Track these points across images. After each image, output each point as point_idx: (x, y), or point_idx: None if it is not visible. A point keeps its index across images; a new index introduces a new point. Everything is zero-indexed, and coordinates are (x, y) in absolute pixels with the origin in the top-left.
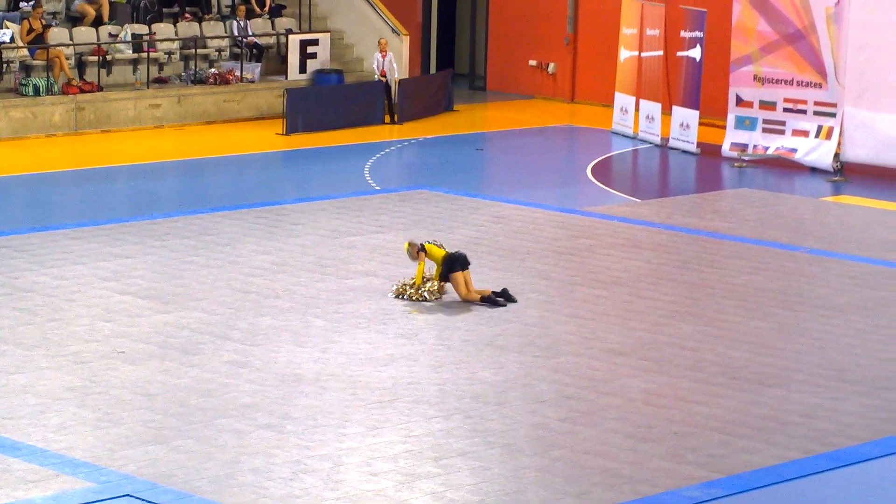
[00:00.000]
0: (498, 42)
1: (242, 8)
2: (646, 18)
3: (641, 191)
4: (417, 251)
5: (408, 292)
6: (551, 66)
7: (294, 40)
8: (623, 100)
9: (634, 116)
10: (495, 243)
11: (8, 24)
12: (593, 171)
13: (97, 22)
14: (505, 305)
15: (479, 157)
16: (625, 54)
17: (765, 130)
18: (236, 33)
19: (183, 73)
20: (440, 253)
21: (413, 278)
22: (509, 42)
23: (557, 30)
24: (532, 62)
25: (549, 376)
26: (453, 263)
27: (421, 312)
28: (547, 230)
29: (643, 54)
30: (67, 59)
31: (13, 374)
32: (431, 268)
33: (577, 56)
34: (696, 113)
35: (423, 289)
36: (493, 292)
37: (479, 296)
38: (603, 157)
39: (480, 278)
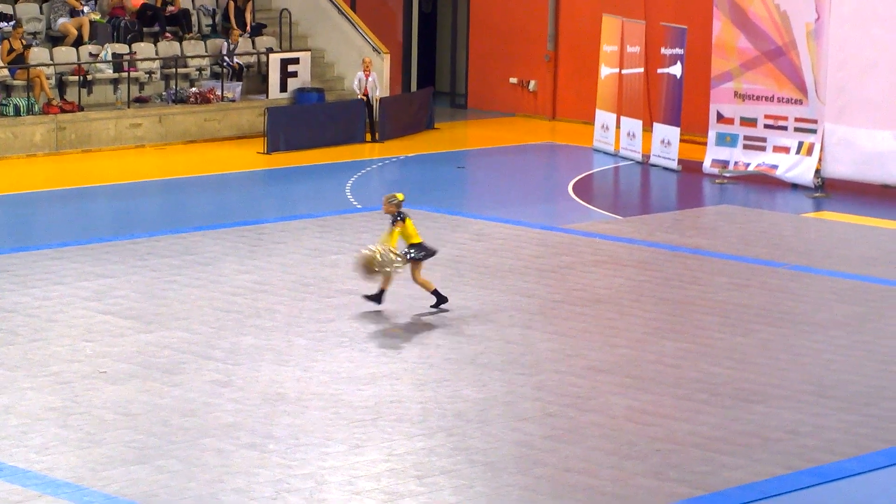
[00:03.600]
0: (478, 60)
1: (237, 31)
2: (626, 35)
3: (623, 208)
4: (397, 211)
5: (376, 260)
6: (532, 83)
7: (275, 59)
8: (604, 117)
9: (615, 133)
10: (476, 261)
11: None
12: (574, 188)
13: (78, 42)
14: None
15: (460, 175)
16: (605, 71)
17: (746, 147)
18: (225, 53)
19: (164, 93)
20: (415, 236)
21: (378, 249)
22: (490, 60)
23: (538, 47)
24: (513, 80)
25: (531, 394)
26: (428, 253)
27: (403, 331)
28: (528, 248)
29: (624, 71)
30: (48, 78)
31: None
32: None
33: (557, 73)
34: (677, 130)
35: (390, 264)
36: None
37: (432, 287)
38: (584, 174)
39: (462, 296)
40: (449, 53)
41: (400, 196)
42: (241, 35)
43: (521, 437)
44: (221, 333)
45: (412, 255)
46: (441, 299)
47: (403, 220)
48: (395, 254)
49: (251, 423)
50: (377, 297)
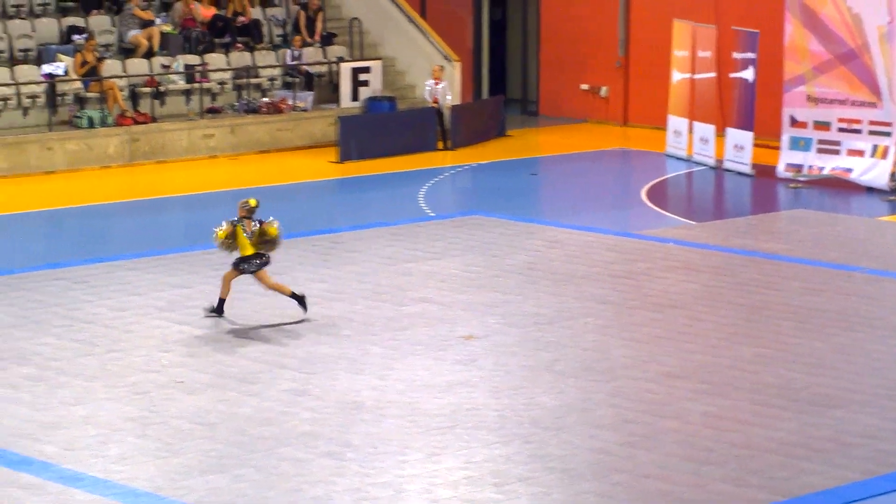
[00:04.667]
0: (549, 66)
1: (299, 38)
2: (697, 40)
3: (696, 213)
4: (244, 215)
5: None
6: (603, 89)
7: (346, 68)
8: (676, 122)
9: (688, 139)
10: (550, 268)
11: (61, 57)
12: (648, 194)
13: (149, 53)
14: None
15: (532, 182)
16: (677, 76)
17: (819, 151)
18: (290, 62)
19: (236, 103)
20: (248, 248)
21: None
22: (561, 66)
23: (609, 53)
24: (584, 86)
25: (607, 400)
26: (262, 263)
27: (478, 338)
28: (602, 254)
29: (696, 76)
30: (121, 90)
31: (73, 406)
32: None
33: (629, 79)
34: (751, 134)
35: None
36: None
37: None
38: (657, 180)
39: (537, 303)
40: (520, 60)
41: (252, 202)
42: (302, 41)
43: (597, 444)
44: (297, 342)
45: (244, 268)
46: (220, 310)
47: (236, 225)
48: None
49: (328, 432)
50: (218, 309)
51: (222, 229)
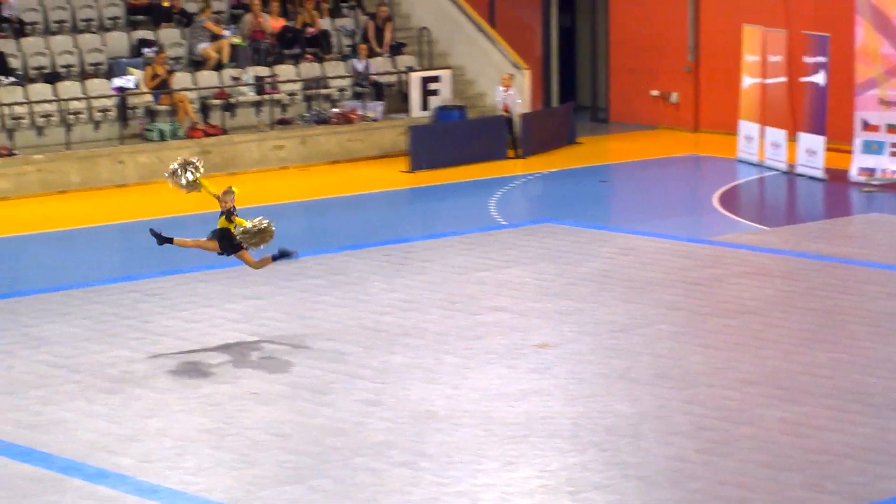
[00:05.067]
0: (619, 73)
1: (364, 47)
2: (768, 45)
3: (769, 218)
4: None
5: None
6: (674, 95)
7: (415, 78)
8: (747, 127)
9: (759, 144)
10: (623, 275)
11: (132, 70)
12: (720, 199)
13: (219, 65)
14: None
15: (603, 190)
16: (748, 81)
17: (893, 154)
18: (358, 72)
19: (306, 114)
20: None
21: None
22: (631, 73)
23: (679, 59)
24: (654, 92)
25: (683, 407)
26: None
27: (552, 346)
28: (675, 260)
29: (766, 81)
30: (191, 103)
31: (149, 418)
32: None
33: (699, 85)
34: (823, 138)
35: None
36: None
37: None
38: (729, 185)
39: (610, 310)
40: (589, 67)
41: (236, 189)
42: (369, 51)
43: (673, 451)
44: (370, 352)
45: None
46: (285, 254)
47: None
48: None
49: (403, 442)
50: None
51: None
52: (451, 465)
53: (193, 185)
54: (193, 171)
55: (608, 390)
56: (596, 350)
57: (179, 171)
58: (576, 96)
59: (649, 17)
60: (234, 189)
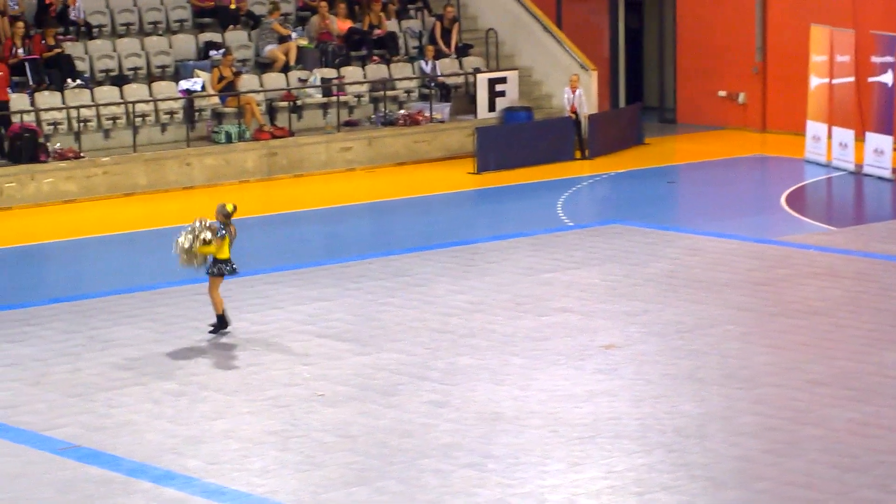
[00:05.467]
0: (687, 74)
1: (431, 48)
2: (835, 45)
3: (837, 219)
4: (225, 221)
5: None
6: (741, 96)
7: (482, 79)
8: (815, 128)
9: (827, 144)
10: (691, 276)
11: (199, 72)
12: (787, 200)
13: (286, 67)
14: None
15: (671, 190)
16: (815, 81)
17: None
18: (425, 73)
19: (373, 116)
20: (227, 252)
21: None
22: (698, 73)
23: (746, 59)
24: (721, 93)
25: (750, 408)
26: (232, 271)
27: (619, 347)
28: (742, 261)
29: (834, 81)
30: (258, 105)
31: (215, 420)
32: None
33: (766, 85)
34: (890, 138)
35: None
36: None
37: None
38: (796, 185)
39: (677, 311)
40: (656, 68)
41: (230, 207)
42: (436, 52)
43: (741, 452)
44: (437, 354)
45: (213, 271)
46: (223, 325)
47: (224, 235)
48: (190, 249)
49: (469, 443)
50: (221, 324)
51: (212, 242)
52: (517, 466)
53: (197, 258)
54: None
55: (675, 391)
56: (663, 351)
57: (187, 253)
58: (643, 97)
59: (717, 17)
60: (228, 207)
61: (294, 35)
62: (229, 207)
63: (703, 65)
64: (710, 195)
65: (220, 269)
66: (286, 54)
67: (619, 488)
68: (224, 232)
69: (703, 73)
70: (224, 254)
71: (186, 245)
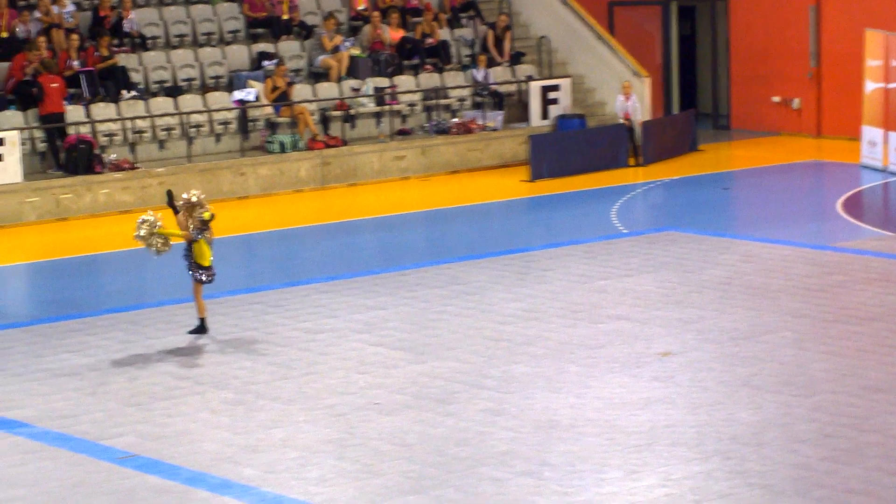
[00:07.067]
0: (740, 80)
1: (483, 56)
2: (891, 49)
3: (893, 224)
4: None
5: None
6: (796, 101)
7: (535, 87)
8: (871, 132)
9: (883, 149)
10: (746, 282)
11: (252, 83)
12: (843, 205)
13: (338, 77)
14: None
15: (725, 197)
16: (871, 86)
17: None
18: (478, 82)
19: (426, 124)
20: (207, 259)
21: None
22: (752, 79)
23: (800, 65)
24: (776, 98)
25: (807, 415)
26: (210, 279)
27: (675, 355)
28: (798, 267)
29: (889, 85)
30: (311, 114)
31: (272, 429)
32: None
33: (821, 90)
34: None
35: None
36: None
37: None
38: (852, 191)
39: (733, 318)
40: (710, 74)
41: (207, 216)
42: (488, 61)
43: (798, 460)
44: (493, 362)
45: (199, 277)
46: (202, 329)
47: (199, 237)
48: (161, 240)
49: (526, 451)
50: (200, 328)
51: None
52: (574, 474)
53: (158, 244)
54: (149, 228)
55: (731, 398)
56: (719, 358)
57: (147, 238)
58: (697, 103)
59: (770, 23)
60: (205, 215)
61: (347, 44)
62: (206, 215)
63: (757, 70)
64: (765, 201)
65: (203, 276)
66: (339, 64)
67: (677, 496)
68: (200, 236)
69: (757, 78)
70: (206, 261)
71: (143, 233)
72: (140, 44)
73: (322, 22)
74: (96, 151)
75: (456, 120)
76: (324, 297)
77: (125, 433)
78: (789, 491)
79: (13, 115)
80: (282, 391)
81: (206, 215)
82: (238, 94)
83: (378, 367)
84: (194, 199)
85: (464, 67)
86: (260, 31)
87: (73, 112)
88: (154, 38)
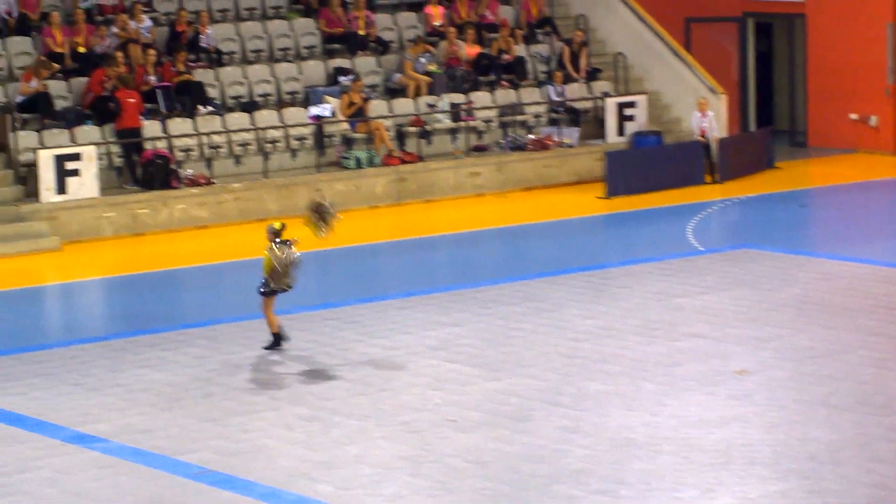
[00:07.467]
0: (818, 96)
1: (560, 73)
2: None
3: None
4: (274, 239)
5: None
6: (873, 118)
7: (611, 103)
8: None
9: None
10: (823, 300)
11: (328, 98)
12: None
13: (415, 93)
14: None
15: (802, 214)
16: None
17: None
18: (553, 98)
19: (502, 140)
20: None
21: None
22: (829, 96)
23: (878, 81)
24: (853, 115)
25: (885, 434)
26: (278, 289)
27: (752, 373)
28: (876, 286)
29: None
30: (387, 130)
31: (347, 445)
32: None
33: None
34: None
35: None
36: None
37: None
38: None
39: (810, 336)
40: (787, 91)
41: (277, 224)
42: (564, 77)
43: (876, 479)
44: (568, 379)
45: (280, 286)
46: (276, 345)
47: (281, 243)
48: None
49: (601, 469)
50: (275, 343)
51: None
52: (649, 492)
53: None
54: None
55: (808, 417)
56: (795, 376)
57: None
58: (773, 120)
59: (847, 40)
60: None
61: (423, 61)
62: (276, 225)
63: (835, 87)
64: (842, 219)
65: (274, 288)
66: (417, 82)
67: None
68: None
69: (835, 95)
70: (265, 271)
71: (282, 255)
72: (216, 59)
73: (409, 45)
74: (172, 167)
75: (532, 136)
76: (399, 314)
77: (200, 448)
78: None
79: (90, 131)
80: (357, 407)
81: (277, 224)
82: (314, 110)
83: (453, 383)
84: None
85: (540, 83)
86: (336, 46)
87: (150, 127)
88: (230, 53)
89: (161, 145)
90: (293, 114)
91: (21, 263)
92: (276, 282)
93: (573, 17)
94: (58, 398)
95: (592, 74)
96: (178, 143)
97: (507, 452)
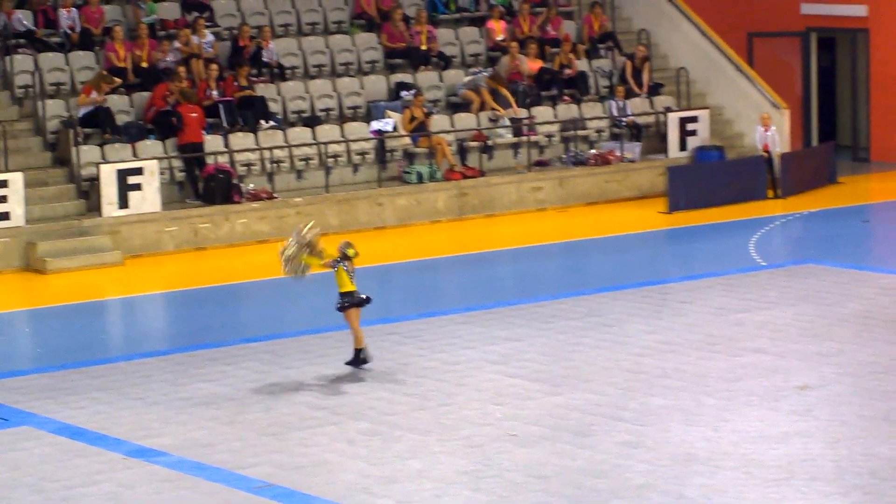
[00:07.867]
0: (881, 112)
1: (621, 88)
2: None
3: None
4: (339, 256)
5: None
6: None
7: (673, 118)
8: None
9: None
10: (885, 316)
11: (390, 113)
12: None
13: (479, 107)
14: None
15: (865, 230)
16: None
17: None
18: (615, 113)
19: (563, 155)
20: (347, 285)
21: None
22: (892, 111)
23: None
24: None
25: None
26: (355, 302)
27: (814, 388)
28: None
29: None
30: (449, 145)
31: (408, 460)
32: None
33: None
34: None
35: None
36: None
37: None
38: None
39: (872, 351)
40: (850, 106)
41: (351, 252)
42: (626, 92)
43: None
44: (630, 394)
45: (361, 299)
46: (357, 361)
47: (337, 265)
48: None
49: (663, 485)
50: (357, 360)
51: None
52: None
53: (300, 267)
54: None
55: (871, 432)
56: (858, 392)
57: (291, 262)
58: (836, 135)
59: None
60: (349, 251)
61: (482, 75)
62: (350, 252)
63: None
64: None
65: (349, 302)
66: (479, 95)
67: None
68: (338, 265)
69: None
70: (348, 287)
71: (291, 253)
72: (278, 74)
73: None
74: (234, 181)
75: (593, 151)
76: (460, 329)
77: (261, 463)
78: None
79: (153, 145)
80: (418, 422)
81: (351, 252)
82: (376, 125)
83: (514, 398)
84: (308, 237)
85: (601, 98)
86: (398, 61)
87: (212, 142)
88: (292, 68)
89: (223, 160)
90: (355, 128)
91: (83, 278)
92: (352, 295)
93: (635, 31)
94: (119, 412)
95: (654, 89)
96: (239, 157)
97: (568, 467)
